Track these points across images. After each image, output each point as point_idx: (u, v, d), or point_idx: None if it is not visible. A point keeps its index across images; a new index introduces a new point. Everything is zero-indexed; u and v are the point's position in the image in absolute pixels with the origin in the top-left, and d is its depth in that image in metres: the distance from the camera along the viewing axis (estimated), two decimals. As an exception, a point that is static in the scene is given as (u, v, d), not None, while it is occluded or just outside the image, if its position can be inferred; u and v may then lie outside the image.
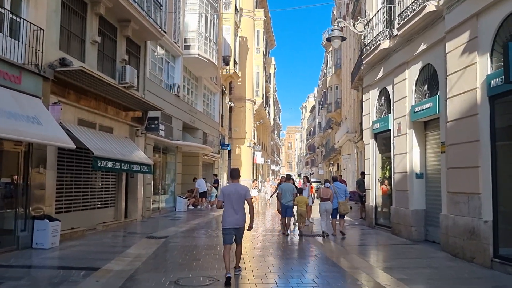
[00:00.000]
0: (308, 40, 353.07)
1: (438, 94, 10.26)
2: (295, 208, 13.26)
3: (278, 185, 15.69)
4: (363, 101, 15.40)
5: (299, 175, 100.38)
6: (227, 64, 31.90)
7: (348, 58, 37.14)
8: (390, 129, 13.09)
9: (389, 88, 13.26)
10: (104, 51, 14.04)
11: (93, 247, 10.33)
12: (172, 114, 20.26)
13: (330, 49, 46.87)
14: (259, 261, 8.97)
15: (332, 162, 54.18)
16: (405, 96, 11.97)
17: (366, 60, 14.41)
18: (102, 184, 14.17)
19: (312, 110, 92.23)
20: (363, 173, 18.87)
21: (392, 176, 12.87)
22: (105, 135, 13.45)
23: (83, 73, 11.00)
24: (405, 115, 11.94)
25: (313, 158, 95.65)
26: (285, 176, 15.66)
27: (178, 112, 21.08)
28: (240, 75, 37.22)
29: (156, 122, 16.88)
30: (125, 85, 14.52)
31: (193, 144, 22.09)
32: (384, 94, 13.87)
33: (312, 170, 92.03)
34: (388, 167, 13.58)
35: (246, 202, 7.36)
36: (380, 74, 13.73)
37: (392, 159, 12.93)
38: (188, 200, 22.68)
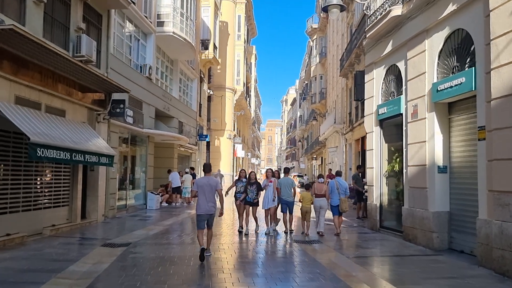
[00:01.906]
0: (290, 31, 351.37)
1: (475, 66, 8.06)
2: (298, 206, 12.54)
3: (236, 181, 12.96)
4: (356, 86, 13.21)
5: (279, 169, 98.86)
6: (206, 48, 29.40)
7: (335, 45, 34.99)
8: (401, 114, 10.90)
9: (400, 65, 11.04)
10: (53, 15, 11.43)
11: (26, 261, 7.83)
12: (143, 99, 17.71)
13: (315, 37, 44.67)
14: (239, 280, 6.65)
15: (315, 156, 52.13)
16: (424, 72, 9.76)
17: (371, 33, 12.16)
18: (51, 179, 11.61)
19: (293, 103, 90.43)
20: (360, 167, 16.78)
21: (404, 170, 10.68)
22: (53, 118, 10.88)
23: (17, 35, 8.42)
24: (424, 95, 9.74)
25: (293, 152, 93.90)
26: (282, 169, 13.43)
27: (150, 97, 18.53)
28: (220, 62, 34.74)
29: (121, 106, 14.33)
30: (81, 58, 11.96)
31: (167, 134, 19.57)
32: (393, 73, 11.66)
33: (292, 164, 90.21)
34: (398, 159, 11.39)
35: (217, 192, 8.62)
36: (389, 49, 11.50)
37: (404, 150, 10.73)
38: (162, 196, 20.21)
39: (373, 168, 12.49)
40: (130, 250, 9.33)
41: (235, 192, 12.26)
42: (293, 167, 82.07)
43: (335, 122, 31.40)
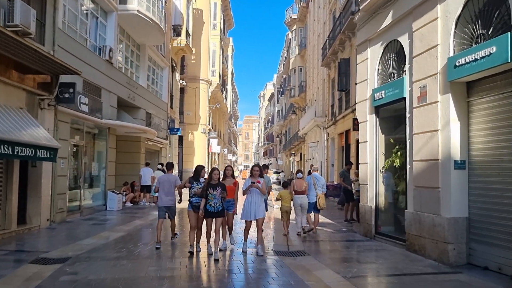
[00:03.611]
0: (268, 25, 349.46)
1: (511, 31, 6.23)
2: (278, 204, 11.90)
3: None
4: (340, 75, 11.35)
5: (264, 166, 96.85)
6: (178, 34, 27.13)
7: (315, 35, 33.18)
8: (404, 98, 9.05)
9: (403, 39, 9.18)
10: (-25, -28, 9.19)
11: None
12: (102, 85, 15.47)
13: (294, 27, 42.85)
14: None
15: (293, 152, 50.39)
16: (436, 45, 7.91)
17: (365, 3, 10.26)
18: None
19: (270, 99, 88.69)
20: (350, 163, 14.95)
21: (408, 166, 8.84)
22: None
23: None
24: (435, 74, 7.89)
25: (271, 148, 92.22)
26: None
27: (111, 84, 16.29)
28: (194, 51, 32.55)
29: (71, 90, 12.11)
30: (14, 28, 9.72)
31: (130, 125, 17.34)
32: (393, 50, 9.81)
33: (270, 160, 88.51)
34: (399, 152, 9.54)
35: (176, 187, 9.47)
36: (388, 21, 9.63)
37: (407, 142, 8.89)
38: (126, 195, 18.01)
39: (367, 163, 10.63)
40: (65, 269, 7.22)
41: (189, 196, 8.84)
42: (271, 163, 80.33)
43: (315, 116, 29.60)
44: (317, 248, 9.65)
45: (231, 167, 9.66)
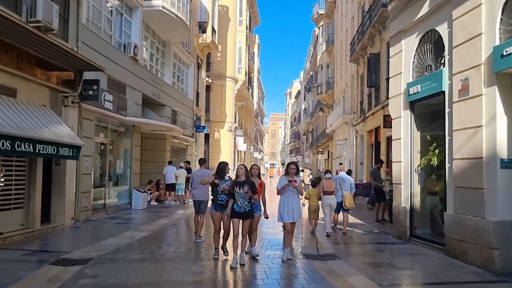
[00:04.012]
0: (294, 22, 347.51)
1: None
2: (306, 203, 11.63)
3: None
4: (369, 71, 10.75)
5: (283, 164, 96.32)
6: (204, 31, 26.89)
7: (343, 30, 32.42)
8: (442, 92, 8.43)
9: (442, 29, 8.56)
10: (-3, -33, 9.02)
11: None
12: (127, 83, 15.28)
13: (321, 23, 42.09)
14: None
15: (321, 150, 49.63)
16: (479, 34, 7.28)
17: (400, -9, 9.66)
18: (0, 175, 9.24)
19: (297, 96, 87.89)
20: (380, 161, 14.34)
21: (447, 165, 8.23)
22: (-5, 97, 8.49)
23: None
24: (479, 64, 7.27)
25: (297, 146, 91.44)
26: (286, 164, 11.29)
27: (135, 81, 16.10)
28: (220, 48, 32.24)
29: (95, 87, 11.90)
30: (36, 24, 9.53)
31: (155, 123, 17.11)
32: (430, 40, 9.18)
33: (296, 158, 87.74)
34: (437, 150, 8.91)
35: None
36: (424, 10, 9.01)
37: (446, 139, 8.28)
38: (150, 194, 17.84)
39: (401, 162, 10.03)
40: (86, 271, 6.95)
41: (214, 195, 8.23)
42: (297, 161, 79.60)
43: (344, 113, 28.88)
44: (348, 251, 9.14)
45: (258, 166, 8.86)
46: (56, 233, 10.58)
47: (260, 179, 8.34)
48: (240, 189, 7.41)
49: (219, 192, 8.06)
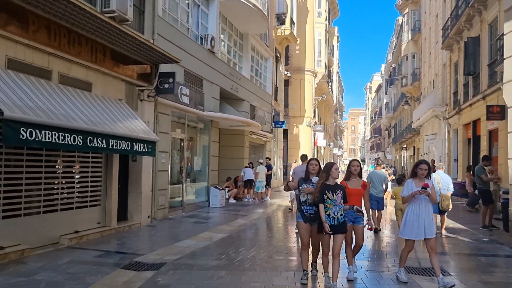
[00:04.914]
0: (374, 13, 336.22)
1: None
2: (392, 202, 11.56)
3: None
4: (467, 57, 8.94)
5: (363, 160, 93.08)
6: (282, 23, 26.02)
7: (432, 16, 29.91)
8: None
9: None
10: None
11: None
12: (204, 76, 14.76)
13: (406, 10, 39.42)
14: None
15: (405, 146, 46.79)
16: None
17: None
18: (73, 171, 8.94)
19: (378, 90, 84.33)
20: (487, 158, 12.52)
21: None
22: (70, 92, 8.14)
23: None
24: None
25: (378, 141, 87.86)
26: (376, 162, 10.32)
27: (213, 74, 15.55)
28: (298, 41, 31.16)
29: (171, 80, 11.41)
30: (110, 15, 9.12)
31: (233, 118, 16.48)
32: (562, 10, 7.50)
33: (377, 154, 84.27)
34: None
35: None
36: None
37: None
38: (229, 191, 17.29)
39: (519, 159, 8.40)
40: (157, 279, 6.29)
41: (299, 203, 6.28)
42: (378, 157, 76.39)
43: (434, 105, 26.54)
44: (457, 264, 7.75)
45: (358, 161, 6.81)
46: (132, 231, 10.20)
47: (361, 178, 6.69)
48: (333, 195, 5.76)
49: (303, 202, 6.14)
